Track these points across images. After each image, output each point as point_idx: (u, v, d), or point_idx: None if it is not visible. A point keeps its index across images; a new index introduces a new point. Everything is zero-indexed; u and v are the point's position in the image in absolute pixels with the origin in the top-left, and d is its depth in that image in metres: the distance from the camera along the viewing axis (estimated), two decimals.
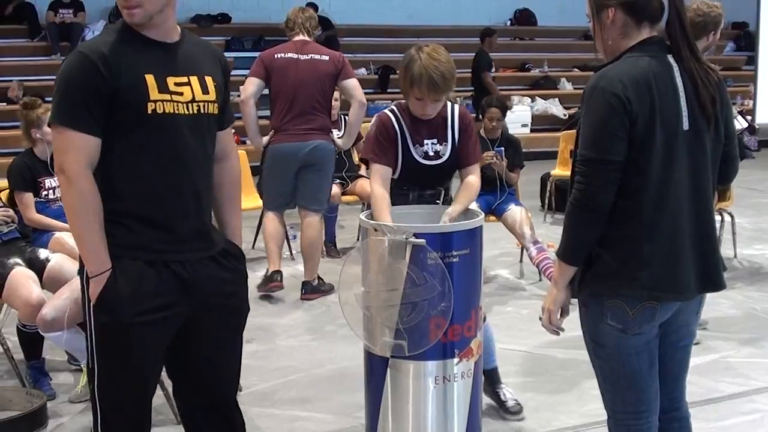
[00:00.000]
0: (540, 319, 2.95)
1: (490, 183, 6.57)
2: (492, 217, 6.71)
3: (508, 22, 18.22)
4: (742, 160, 3.28)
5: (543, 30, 18.14)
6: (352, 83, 6.44)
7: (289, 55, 6.38)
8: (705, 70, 2.71)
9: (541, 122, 14.91)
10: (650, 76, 2.64)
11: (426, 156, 3.85)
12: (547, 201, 9.19)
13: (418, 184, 3.90)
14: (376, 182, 3.75)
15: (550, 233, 7.94)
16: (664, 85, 2.64)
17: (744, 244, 7.78)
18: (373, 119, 4.08)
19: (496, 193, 6.70)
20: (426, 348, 3.45)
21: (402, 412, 3.59)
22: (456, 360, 3.53)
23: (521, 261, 7.08)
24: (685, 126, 2.65)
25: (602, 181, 2.64)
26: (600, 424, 4.20)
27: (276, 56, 6.36)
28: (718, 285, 2.78)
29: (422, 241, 3.34)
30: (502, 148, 6.70)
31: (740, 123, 6.11)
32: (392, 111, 3.90)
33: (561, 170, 9.20)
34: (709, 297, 3.01)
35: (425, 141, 3.86)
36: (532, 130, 14.56)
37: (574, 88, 16.09)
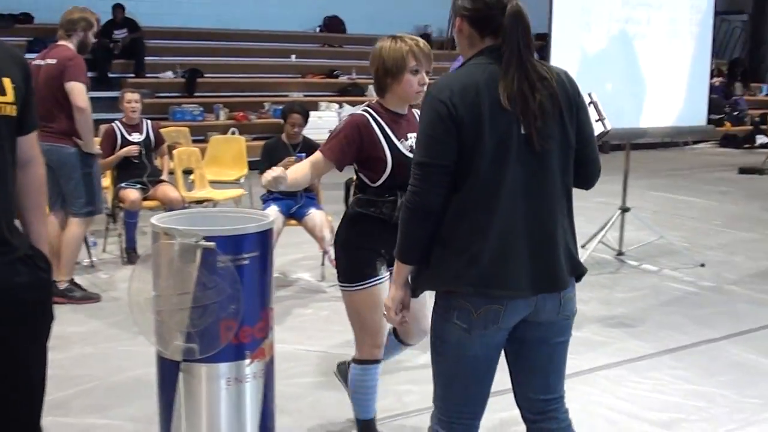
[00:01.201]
0: (384, 314, 3.10)
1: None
2: (293, 221, 6.83)
3: (317, 29, 18.38)
4: None
5: (352, 37, 18.40)
6: (70, 86, 6.23)
7: (37, 61, 6.31)
8: (541, 77, 2.76)
9: None
10: (480, 83, 2.72)
11: (413, 150, 3.53)
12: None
13: (405, 185, 3.77)
14: (306, 162, 3.97)
15: None
16: (491, 91, 2.71)
17: None
18: (343, 120, 3.98)
19: (296, 198, 6.83)
20: (217, 350, 3.50)
21: (195, 415, 3.61)
22: (248, 361, 3.59)
23: (323, 264, 7.21)
24: (522, 130, 2.72)
25: (430, 184, 2.77)
26: (396, 417, 4.43)
27: (32, 63, 6.24)
28: (554, 285, 2.82)
29: (212, 244, 3.38)
30: (303, 154, 6.78)
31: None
32: (366, 111, 3.85)
33: None
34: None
35: (408, 135, 3.81)
36: None
37: None
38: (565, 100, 2.81)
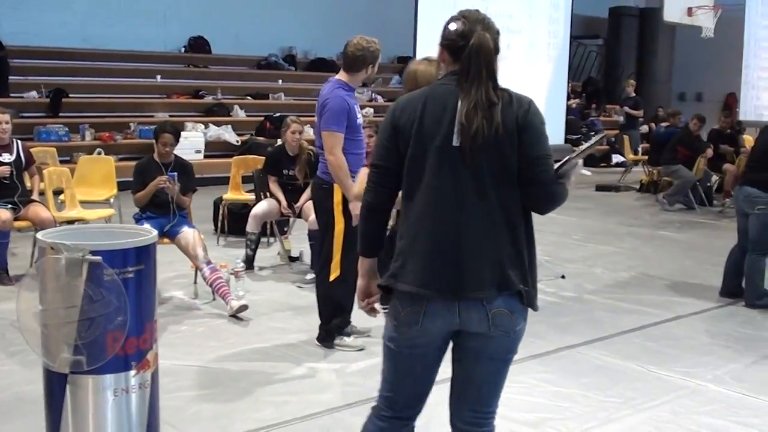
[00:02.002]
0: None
1: (163, 206, 6.78)
2: (166, 240, 6.89)
3: (183, 49, 18.33)
4: None
5: (217, 58, 18.43)
6: None
7: None
8: (488, 100, 2.99)
9: (215, 148, 15.14)
10: (426, 98, 3.07)
11: None
12: (219, 224, 9.43)
13: None
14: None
15: (223, 255, 8.22)
16: (434, 106, 3.04)
17: None
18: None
19: (168, 216, 6.90)
20: (104, 362, 3.59)
21: (83, 426, 3.67)
22: (133, 372, 3.68)
23: (195, 282, 7.27)
24: (455, 142, 2.98)
25: (376, 184, 3.15)
26: (274, 427, 4.56)
27: None
28: (461, 292, 2.97)
29: (98, 258, 3.48)
30: (175, 173, 6.90)
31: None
32: None
33: (233, 194, 9.52)
34: None
35: None
36: (205, 156, 14.75)
37: (247, 116, 16.47)
38: (510, 123, 3.02)
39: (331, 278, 5.67)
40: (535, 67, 8.61)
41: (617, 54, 24.13)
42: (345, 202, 5.54)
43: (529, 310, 3.16)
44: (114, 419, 3.69)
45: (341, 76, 5.73)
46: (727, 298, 7.65)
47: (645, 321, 6.84)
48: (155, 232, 3.86)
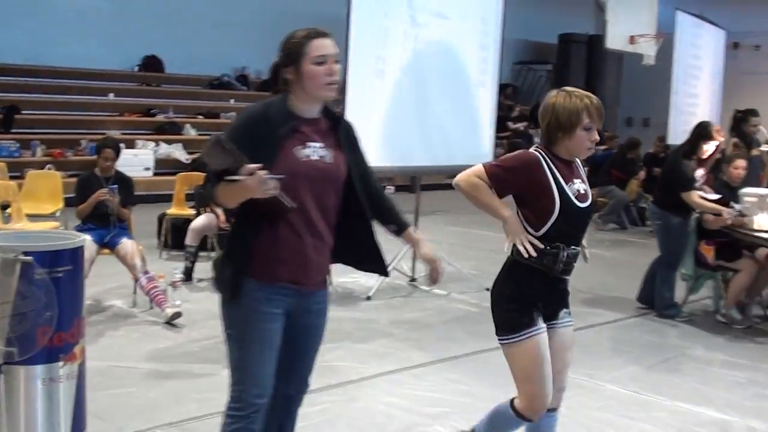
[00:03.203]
0: None
1: (103, 218, 7.16)
2: (106, 250, 7.25)
3: (136, 68, 18.61)
4: None
5: (170, 77, 18.71)
6: None
7: None
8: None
9: (164, 166, 15.42)
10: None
11: (578, 197, 3.77)
12: (162, 238, 9.80)
13: (571, 237, 3.78)
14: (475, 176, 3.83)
15: (165, 267, 8.55)
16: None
17: (338, 273, 8.86)
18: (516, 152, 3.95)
19: (109, 228, 7.26)
20: (34, 353, 3.97)
21: (15, 413, 4.03)
22: (61, 363, 4.06)
23: (135, 292, 7.60)
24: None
25: None
26: (195, 420, 4.94)
27: None
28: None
29: (30, 258, 3.87)
30: (116, 187, 7.27)
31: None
32: (539, 152, 3.79)
33: (176, 210, 9.90)
34: None
35: (574, 180, 3.81)
36: (155, 174, 15.07)
37: (198, 134, 16.77)
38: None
39: None
40: (464, 91, 9.07)
41: (566, 79, 24.68)
42: None
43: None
44: (44, 406, 4.06)
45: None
46: (642, 303, 8.17)
47: None
48: (83, 236, 4.26)
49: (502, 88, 23.31)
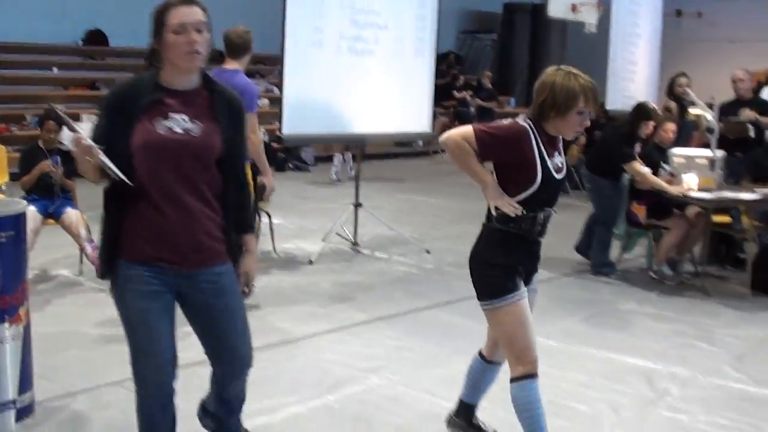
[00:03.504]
0: None
1: (47, 189, 7.28)
2: (51, 221, 7.36)
3: (80, 42, 18.52)
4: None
5: (114, 50, 18.65)
6: None
7: None
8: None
9: None
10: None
11: (556, 169, 3.86)
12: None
13: (546, 203, 3.87)
14: (462, 136, 3.79)
15: None
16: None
17: (283, 239, 9.08)
18: (506, 121, 3.92)
19: (53, 199, 7.37)
20: None
21: None
22: (6, 325, 4.24)
23: (81, 261, 7.73)
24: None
25: None
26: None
27: None
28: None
29: None
30: (58, 157, 7.38)
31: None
32: (528, 124, 3.81)
33: None
34: None
35: (555, 155, 3.88)
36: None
37: None
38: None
39: None
40: (401, 61, 9.24)
41: (511, 48, 24.96)
42: (252, 174, 6.36)
43: None
44: None
45: (232, 64, 6.46)
46: (579, 254, 8.58)
47: None
48: (25, 203, 4.42)
49: (445, 57, 23.69)
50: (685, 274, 8.29)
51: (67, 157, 7.50)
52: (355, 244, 9.05)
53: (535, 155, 3.74)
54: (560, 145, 3.92)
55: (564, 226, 11.05)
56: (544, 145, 3.78)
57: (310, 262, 8.28)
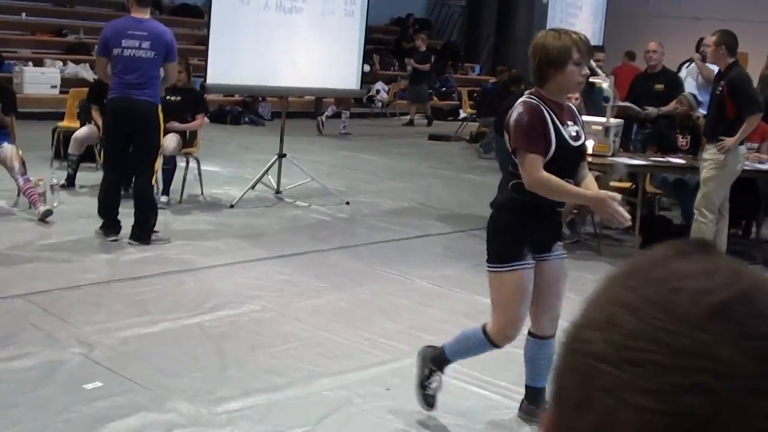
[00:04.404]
0: None
1: None
2: None
3: None
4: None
5: None
6: None
7: None
8: None
9: (71, 85, 15.73)
10: None
11: (572, 138, 3.96)
12: (53, 149, 10.46)
13: (563, 172, 3.93)
14: (539, 171, 3.84)
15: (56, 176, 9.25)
16: None
17: (215, 185, 9.71)
18: (519, 107, 3.95)
19: None
20: None
21: None
22: None
23: (18, 195, 8.26)
24: None
25: None
26: (44, 293, 5.71)
27: None
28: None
29: None
30: None
31: None
32: (532, 98, 3.93)
33: (68, 123, 10.59)
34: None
35: (568, 122, 3.97)
36: (60, 92, 15.53)
37: None
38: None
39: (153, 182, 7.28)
40: (330, 20, 9.78)
41: (478, 14, 25.40)
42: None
43: None
44: None
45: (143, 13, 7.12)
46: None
47: (394, 236, 8.22)
48: None
49: (406, 18, 24.18)
50: (584, 234, 8.91)
51: (3, 95, 8.09)
52: (278, 192, 9.66)
53: (548, 123, 3.87)
54: (575, 115, 4.07)
55: (488, 188, 11.60)
56: (555, 114, 3.91)
57: (231, 206, 8.90)
